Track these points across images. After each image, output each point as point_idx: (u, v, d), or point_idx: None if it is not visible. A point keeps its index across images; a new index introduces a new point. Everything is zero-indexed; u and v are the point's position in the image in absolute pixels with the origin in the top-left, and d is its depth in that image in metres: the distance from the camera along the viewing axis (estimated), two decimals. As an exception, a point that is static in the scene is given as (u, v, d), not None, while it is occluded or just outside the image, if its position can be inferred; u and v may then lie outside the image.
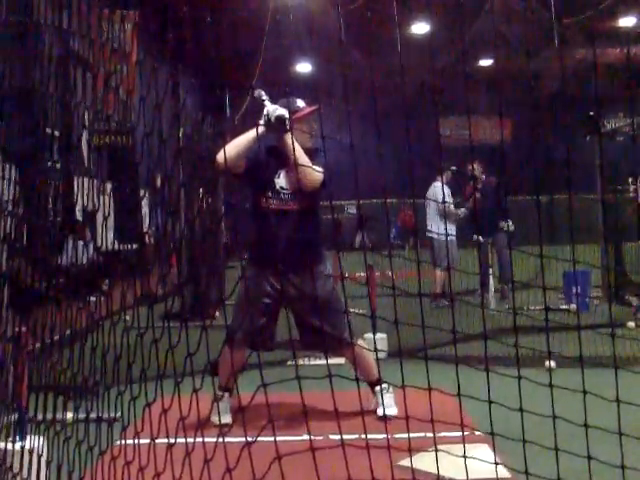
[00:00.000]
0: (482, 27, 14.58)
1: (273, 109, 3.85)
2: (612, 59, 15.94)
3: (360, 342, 4.20)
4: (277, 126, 3.85)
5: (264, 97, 4.00)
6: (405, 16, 15.77)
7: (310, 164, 3.86)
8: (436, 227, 8.97)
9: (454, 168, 9.21)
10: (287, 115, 3.84)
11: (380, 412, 4.02)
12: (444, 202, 8.59)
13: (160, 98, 2.20)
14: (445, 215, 8.94)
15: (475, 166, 9.55)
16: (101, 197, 3.09)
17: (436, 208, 8.95)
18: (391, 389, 4.16)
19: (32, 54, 3.69)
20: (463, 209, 9.28)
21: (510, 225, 9.26)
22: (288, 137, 3.84)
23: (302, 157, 3.82)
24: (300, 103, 4.14)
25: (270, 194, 4.04)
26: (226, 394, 4.09)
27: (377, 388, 4.19)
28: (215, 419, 3.79)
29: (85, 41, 3.07)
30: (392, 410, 4.00)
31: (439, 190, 8.97)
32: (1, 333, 3.25)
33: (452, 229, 9.09)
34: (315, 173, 3.81)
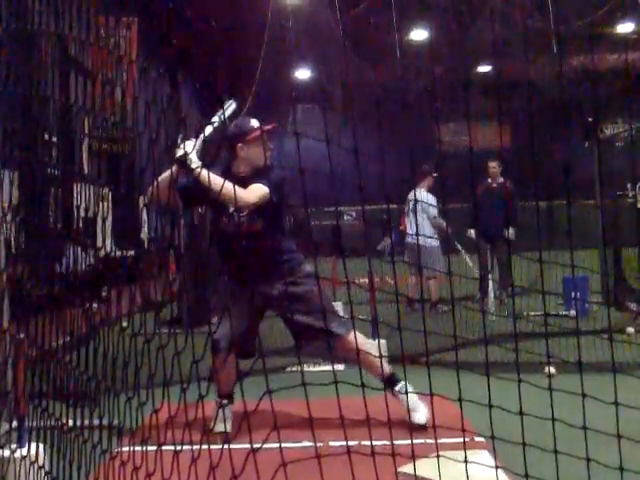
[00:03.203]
0: (481, 33, 14.63)
1: (181, 149, 3.70)
2: (610, 65, 15.99)
3: (354, 335, 4.00)
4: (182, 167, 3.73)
5: (215, 117, 3.90)
6: (404, 23, 15.82)
7: (231, 188, 3.63)
8: (426, 234, 8.93)
9: (435, 174, 9.18)
10: (191, 158, 3.69)
11: (418, 419, 3.85)
12: (440, 204, 8.59)
13: (161, 103, 2.22)
14: (434, 226, 8.97)
15: (495, 164, 9.56)
16: (100, 204, 3.10)
17: (426, 216, 8.95)
18: (410, 387, 3.96)
19: (32, 60, 3.70)
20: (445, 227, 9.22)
21: (511, 234, 9.25)
22: (200, 174, 3.69)
23: (222, 188, 3.61)
24: (254, 123, 4.07)
25: (225, 218, 4.03)
26: (225, 401, 4.10)
27: (397, 388, 4.02)
28: (218, 427, 3.79)
29: (86, 48, 3.08)
30: (421, 416, 3.88)
31: (425, 197, 8.94)
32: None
33: (436, 237, 9.08)
34: (246, 196, 3.74)
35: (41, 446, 2.98)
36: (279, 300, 4.00)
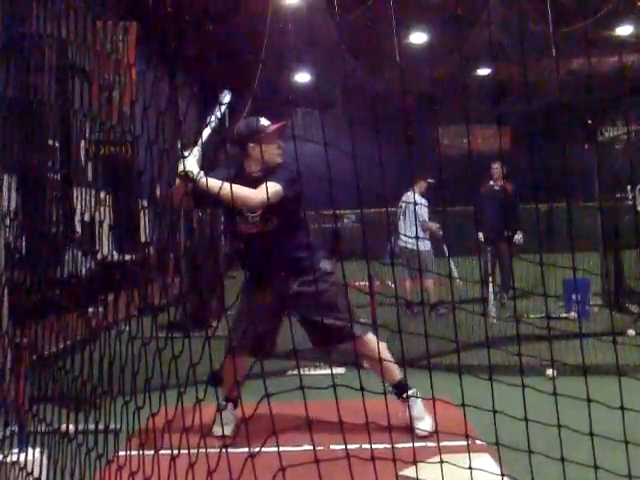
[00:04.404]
0: (479, 36, 14.62)
1: (184, 161, 3.66)
2: (609, 67, 16.00)
3: (371, 336, 4.01)
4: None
5: (212, 117, 3.89)
6: (403, 26, 15.82)
7: (238, 191, 3.66)
8: (421, 239, 8.92)
9: (431, 180, 9.16)
10: (193, 170, 3.67)
11: (422, 427, 3.67)
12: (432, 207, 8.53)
13: (161, 106, 2.21)
14: (423, 228, 8.95)
15: (496, 166, 9.54)
16: (100, 208, 3.10)
17: (420, 220, 8.93)
18: (418, 393, 3.95)
19: (32, 65, 3.70)
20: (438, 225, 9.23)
21: (520, 239, 9.23)
22: (205, 183, 3.67)
23: (230, 192, 3.55)
24: (264, 122, 4.05)
25: (239, 219, 4.01)
26: (230, 405, 4.07)
27: (404, 395, 3.94)
28: (217, 430, 3.78)
29: (85, 52, 3.08)
30: (426, 425, 3.72)
31: (417, 201, 8.92)
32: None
33: (427, 241, 9.09)
34: (254, 195, 3.72)
35: (31, 451, 2.95)
36: (297, 299, 3.96)
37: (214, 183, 3.66)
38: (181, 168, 3.68)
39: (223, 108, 4.07)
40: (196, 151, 3.78)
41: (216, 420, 3.73)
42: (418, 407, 3.92)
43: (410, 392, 3.95)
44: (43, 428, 2.91)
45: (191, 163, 3.72)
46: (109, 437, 2.32)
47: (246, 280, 4.13)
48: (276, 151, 4.04)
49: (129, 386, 2.20)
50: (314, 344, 4.20)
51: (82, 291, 3.09)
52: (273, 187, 3.79)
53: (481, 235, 9.01)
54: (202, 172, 3.74)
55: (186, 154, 3.70)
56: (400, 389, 3.98)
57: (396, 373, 3.99)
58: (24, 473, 2.81)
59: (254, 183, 3.83)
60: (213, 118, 3.93)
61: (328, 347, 4.24)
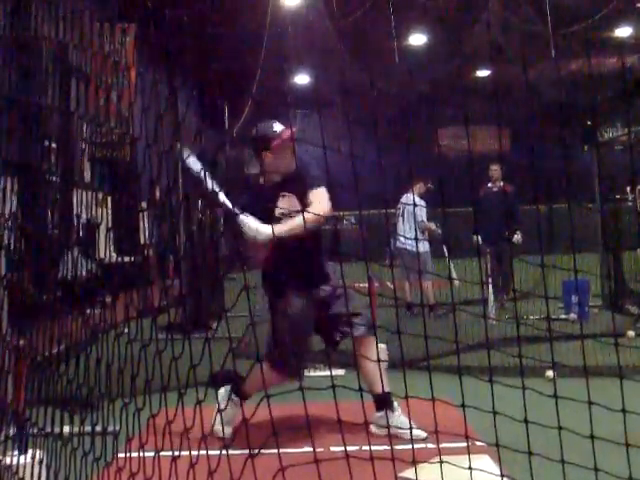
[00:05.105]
0: (479, 38, 14.65)
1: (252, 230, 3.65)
2: (609, 69, 16.03)
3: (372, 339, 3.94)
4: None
5: (210, 185, 3.72)
6: (402, 27, 15.84)
7: (304, 217, 3.62)
8: (421, 240, 8.94)
9: (431, 186, 9.15)
10: (261, 234, 3.64)
11: (417, 433, 3.53)
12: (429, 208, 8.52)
13: (160, 109, 2.21)
14: (421, 229, 8.95)
15: (495, 167, 9.53)
16: (100, 209, 3.10)
17: (418, 221, 8.93)
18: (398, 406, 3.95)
19: (32, 67, 3.70)
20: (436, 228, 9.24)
21: (519, 239, 9.23)
22: (269, 233, 3.64)
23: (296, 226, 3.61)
24: (277, 127, 3.92)
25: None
26: (237, 400, 3.99)
27: (391, 415, 3.82)
28: (217, 430, 3.75)
29: (85, 55, 3.08)
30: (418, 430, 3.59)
31: (415, 202, 8.92)
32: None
33: (426, 242, 9.10)
34: (320, 213, 3.65)
35: (26, 455, 2.94)
36: (325, 301, 3.93)
37: (281, 227, 3.62)
38: (252, 234, 3.66)
39: (195, 166, 3.85)
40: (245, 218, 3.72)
41: (216, 420, 3.71)
42: (400, 420, 3.81)
43: (394, 415, 3.86)
44: (42, 431, 2.91)
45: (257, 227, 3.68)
46: (109, 439, 2.31)
47: (277, 290, 3.98)
48: (291, 155, 3.91)
49: (129, 388, 2.20)
50: (329, 340, 4.09)
51: (81, 293, 3.09)
52: (323, 193, 3.77)
53: (480, 237, 9.01)
54: (263, 227, 3.68)
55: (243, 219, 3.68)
56: (384, 402, 3.85)
57: (387, 383, 3.82)
58: (16, 478, 2.80)
59: (274, 189, 3.82)
60: (210, 184, 3.77)
61: (347, 333, 4.09)
